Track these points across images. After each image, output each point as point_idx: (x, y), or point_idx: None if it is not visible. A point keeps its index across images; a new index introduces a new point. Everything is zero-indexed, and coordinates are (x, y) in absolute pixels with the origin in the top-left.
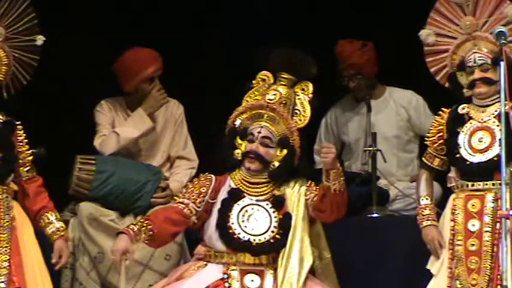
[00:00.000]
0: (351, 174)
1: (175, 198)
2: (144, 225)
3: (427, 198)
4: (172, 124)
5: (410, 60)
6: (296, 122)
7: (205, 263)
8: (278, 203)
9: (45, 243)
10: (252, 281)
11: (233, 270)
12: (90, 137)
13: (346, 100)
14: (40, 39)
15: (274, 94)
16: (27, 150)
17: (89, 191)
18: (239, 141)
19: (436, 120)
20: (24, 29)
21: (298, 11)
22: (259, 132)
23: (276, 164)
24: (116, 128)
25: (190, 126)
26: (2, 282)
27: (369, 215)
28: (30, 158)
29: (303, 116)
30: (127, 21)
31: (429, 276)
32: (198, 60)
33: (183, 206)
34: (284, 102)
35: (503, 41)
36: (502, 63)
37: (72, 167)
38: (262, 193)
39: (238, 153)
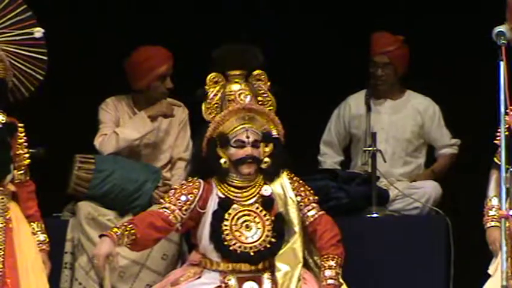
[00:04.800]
0: (351, 174)
1: (162, 201)
2: (128, 229)
3: (496, 199)
4: (176, 127)
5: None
6: None
7: (201, 269)
8: (268, 204)
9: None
10: None
11: (230, 279)
12: (90, 136)
13: (361, 94)
14: (38, 32)
15: (244, 93)
16: (25, 153)
17: (88, 190)
18: (221, 149)
19: (506, 119)
20: (15, 22)
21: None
22: (247, 137)
23: (267, 160)
24: (120, 126)
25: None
26: None
27: (368, 215)
28: (27, 162)
29: (270, 104)
30: (127, 21)
31: (429, 276)
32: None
33: (169, 212)
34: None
35: (503, 41)
36: (502, 63)
37: (71, 166)
38: (250, 196)
39: (225, 162)
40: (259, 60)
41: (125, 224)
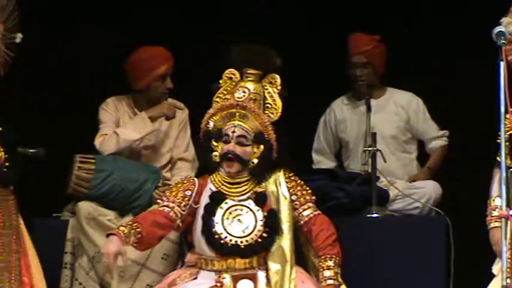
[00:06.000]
0: (351, 174)
1: (159, 201)
2: (133, 227)
3: (499, 199)
4: (176, 128)
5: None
6: (269, 116)
7: (197, 270)
8: (261, 200)
9: (39, 244)
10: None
11: (225, 277)
12: (90, 136)
13: (345, 98)
14: (19, 37)
15: (244, 92)
16: None
17: (88, 190)
18: (214, 143)
19: (507, 118)
20: (12, 27)
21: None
22: (233, 132)
23: (255, 161)
24: (120, 126)
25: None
26: (15, 281)
27: (368, 215)
28: None
29: (275, 109)
30: (127, 21)
31: (429, 276)
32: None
33: (169, 209)
34: (254, 98)
35: (503, 41)
36: (502, 63)
37: (71, 166)
38: (243, 192)
39: (216, 155)
40: (276, 63)
41: (130, 222)
